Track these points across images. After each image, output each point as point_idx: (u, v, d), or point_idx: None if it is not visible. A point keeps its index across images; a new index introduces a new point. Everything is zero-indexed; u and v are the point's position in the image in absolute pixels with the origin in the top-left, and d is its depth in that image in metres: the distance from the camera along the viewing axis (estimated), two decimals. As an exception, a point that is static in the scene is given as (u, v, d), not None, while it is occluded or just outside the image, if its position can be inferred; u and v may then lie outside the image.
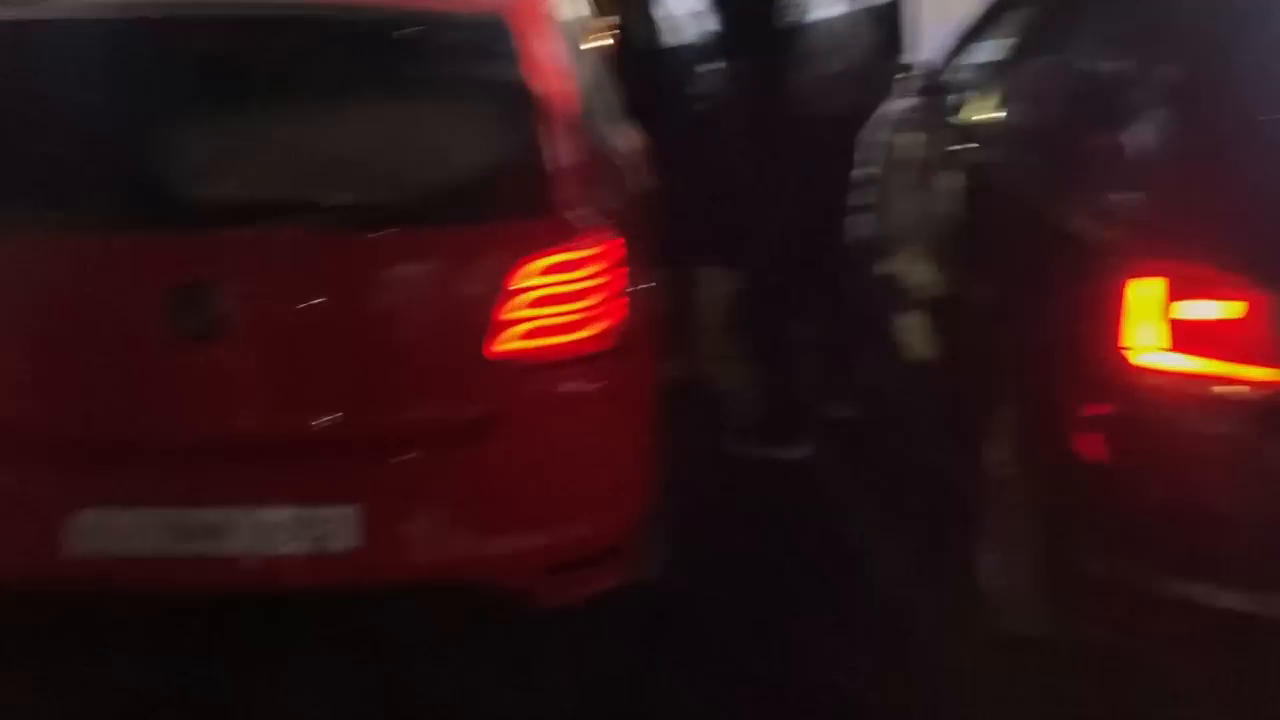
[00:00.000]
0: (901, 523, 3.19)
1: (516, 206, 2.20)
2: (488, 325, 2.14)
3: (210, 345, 2.08)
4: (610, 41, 3.91)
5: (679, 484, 2.72)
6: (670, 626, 2.68)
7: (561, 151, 2.29)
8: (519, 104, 2.29)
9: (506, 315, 2.14)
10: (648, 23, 3.82)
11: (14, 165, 2.17)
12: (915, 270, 3.67)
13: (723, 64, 3.75)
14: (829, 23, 3.50)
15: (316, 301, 2.14)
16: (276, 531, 2.10)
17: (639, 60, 3.74)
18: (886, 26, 3.69)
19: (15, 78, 2.23)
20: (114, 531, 2.09)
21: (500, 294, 2.13)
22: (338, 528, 2.12)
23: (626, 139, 3.30)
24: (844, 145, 3.77)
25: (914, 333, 3.65)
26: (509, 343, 2.16)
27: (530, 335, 2.17)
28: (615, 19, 3.98)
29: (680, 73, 3.83)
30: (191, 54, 2.26)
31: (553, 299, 2.17)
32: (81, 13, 2.32)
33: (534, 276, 2.15)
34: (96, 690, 2.36)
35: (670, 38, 3.87)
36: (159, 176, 2.14)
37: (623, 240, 2.33)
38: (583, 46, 3.16)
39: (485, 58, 2.30)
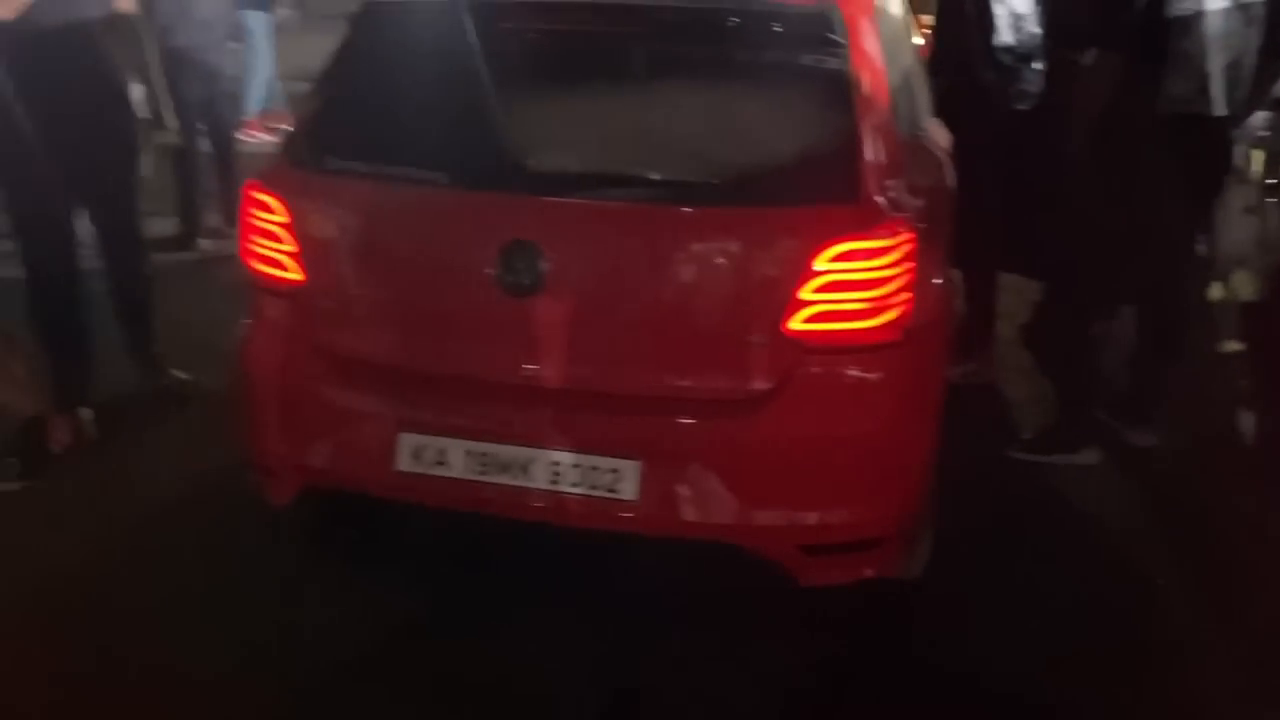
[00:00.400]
0: (1190, 559, 2.98)
1: (824, 192, 2.27)
2: (787, 303, 2.22)
3: (531, 300, 2.30)
4: (924, 38, 3.87)
5: (955, 485, 2.71)
6: (918, 625, 2.68)
7: (872, 143, 2.33)
8: (838, 94, 2.35)
9: (805, 295, 2.22)
10: (964, 20, 3.72)
11: (389, 125, 2.48)
12: (1245, 295, 3.40)
13: (1067, 58, 3.53)
14: (1213, 16, 3.18)
15: (630, 268, 2.31)
16: (570, 473, 2.30)
17: (953, 56, 3.67)
18: (1266, 27, 3.32)
19: (400, 50, 2.55)
20: (433, 454, 2.37)
21: (802, 274, 2.21)
22: (623, 478, 2.29)
23: (935, 135, 3.27)
24: (1219, 152, 3.42)
25: (1239, 363, 3.38)
26: (804, 322, 2.23)
27: (824, 318, 2.24)
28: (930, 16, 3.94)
29: (1002, 71, 3.72)
30: (544, 35, 2.50)
31: (849, 284, 2.23)
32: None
33: (833, 260, 2.21)
34: (390, 595, 2.70)
35: (992, 35, 3.75)
36: (507, 145, 2.37)
37: (920, 234, 2.34)
38: (903, 41, 3.17)
39: (813, 47, 2.37)
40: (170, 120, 4.69)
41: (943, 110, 3.52)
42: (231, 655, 2.51)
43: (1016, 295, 4.18)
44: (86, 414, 3.48)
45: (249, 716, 2.35)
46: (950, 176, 3.20)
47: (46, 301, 3.42)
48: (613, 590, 2.64)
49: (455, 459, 2.35)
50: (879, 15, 2.76)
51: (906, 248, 2.29)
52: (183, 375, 3.84)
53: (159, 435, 3.58)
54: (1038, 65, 3.65)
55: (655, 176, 2.32)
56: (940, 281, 2.62)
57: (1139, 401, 3.61)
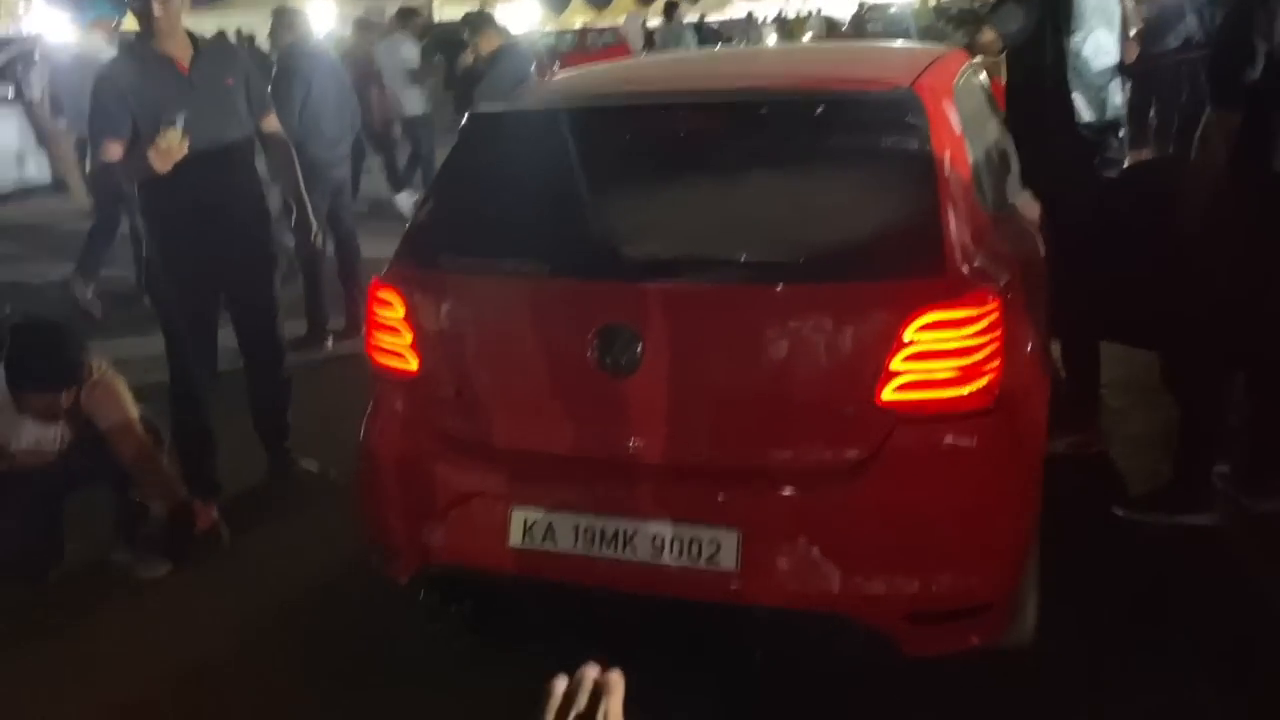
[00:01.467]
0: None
1: (910, 265, 2.35)
2: (879, 373, 2.29)
3: (629, 380, 2.42)
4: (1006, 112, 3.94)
5: (1062, 550, 2.68)
6: (1029, 696, 2.63)
7: (955, 216, 2.40)
8: (921, 172, 2.44)
9: (897, 365, 2.29)
10: (1049, 96, 3.78)
11: (495, 223, 2.69)
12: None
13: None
14: None
15: (723, 345, 2.41)
16: (672, 545, 2.39)
17: (1040, 128, 3.73)
18: None
19: (504, 155, 2.77)
20: (542, 530, 2.49)
21: (892, 345, 2.28)
22: (723, 549, 2.36)
23: (1025, 206, 3.33)
24: None
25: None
26: (896, 391, 2.30)
27: (915, 386, 2.30)
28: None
29: (1085, 144, 3.76)
30: (637, 133, 2.68)
31: (938, 354, 2.29)
32: (559, 104, 2.84)
33: (922, 330, 2.28)
34: (511, 667, 2.80)
35: (1081, 108, 3.81)
36: (602, 236, 2.54)
37: (1007, 302, 2.39)
38: (985, 117, 3.25)
39: (895, 130, 2.48)
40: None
41: (1031, 182, 3.57)
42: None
43: (1122, 365, 4.13)
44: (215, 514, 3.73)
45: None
46: (1040, 246, 3.24)
47: (186, 406, 3.70)
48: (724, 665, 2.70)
49: (564, 534, 2.46)
50: (958, 95, 2.87)
51: (993, 315, 2.34)
52: (313, 468, 4.09)
53: (291, 525, 3.81)
54: (1122, 133, 3.68)
55: (744, 258, 2.44)
56: (1032, 349, 2.65)
57: (1258, 467, 3.50)
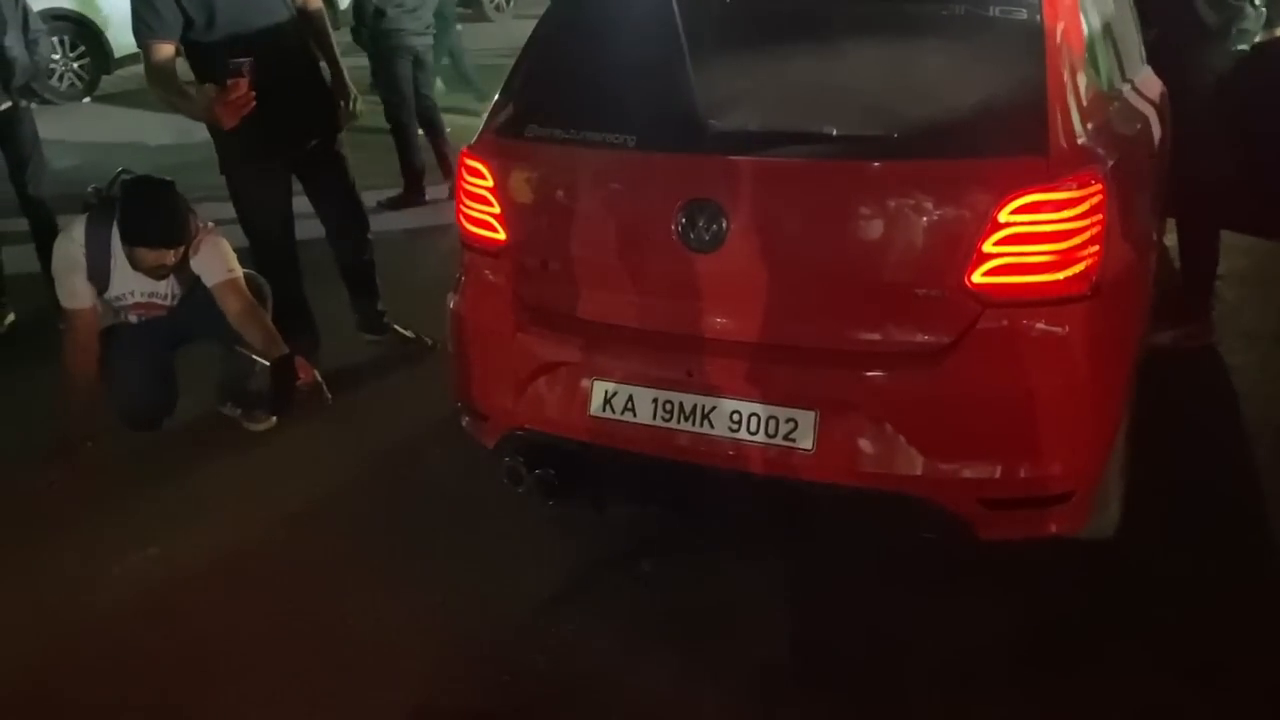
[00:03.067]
0: None
1: (1009, 143, 2.24)
2: (971, 255, 2.22)
3: (713, 256, 2.40)
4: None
5: (1153, 449, 2.62)
6: (1104, 593, 2.62)
7: (1061, 92, 2.28)
8: (1028, 43, 2.30)
9: (989, 248, 2.21)
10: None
11: (584, 93, 2.65)
12: None
13: None
14: None
15: (809, 224, 2.37)
16: (749, 422, 2.40)
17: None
18: None
19: (594, 22, 2.71)
20: (622, 401, 2.53)
21: (987, 226, 2.20)
22: (800, 428, 2.37)
23: (1146, 85, 3.13)
24: None
25: None
26: (987, 275, 2.23)
27: (1008, 270, 2.23)
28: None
29: (1226, 9, 3.48)
30: (732, 2, 2.58)
31: (1034, 237, 2.20)
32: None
33: (1017, 212, 2.19)
34: (586, 531, 2.90)
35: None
36: (690, 107, 2.47)
37: (1113, 186, 2.28)
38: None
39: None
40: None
41: (1156, 58, 3.35)
42: (437, 588, 2.79)
43: (1243, 255, 3.93)
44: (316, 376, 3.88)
45: (454, 649, 2.60)
46: (1159, 128, 3.05)
47: (271, 276, 3.78)
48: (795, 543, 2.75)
49: (643, 406, 2.50)
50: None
51: (1095, 199, 2.23)
52: (408, 332, 4.21)
53: (388, 386, 3.96)
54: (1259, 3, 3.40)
55: (834, 132, 2.36)
56: (1139, 235, 2.53)
57: None
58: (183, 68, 3.59)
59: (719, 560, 2.80)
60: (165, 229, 3.26)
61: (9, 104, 4.61)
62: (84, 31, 10.10)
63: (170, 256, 3.28)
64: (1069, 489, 2.36)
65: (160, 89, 3.52)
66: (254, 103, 3.34)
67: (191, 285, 3.44)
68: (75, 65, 10.14)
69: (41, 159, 4.87)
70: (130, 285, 3.40)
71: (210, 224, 3.47)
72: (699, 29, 2.53)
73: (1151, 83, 3.23)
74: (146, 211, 3.26)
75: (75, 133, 8.22)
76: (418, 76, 6.18)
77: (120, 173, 3.41)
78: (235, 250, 3.51)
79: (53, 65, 9.72)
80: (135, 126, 8.31)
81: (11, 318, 4.75)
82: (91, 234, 3.31)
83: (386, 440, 3.57)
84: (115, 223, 3.27)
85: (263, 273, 3.76)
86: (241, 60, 3.31)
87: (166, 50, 3.50)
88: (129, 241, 3.25)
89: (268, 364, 3.41)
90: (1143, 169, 2.70)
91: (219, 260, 3.40)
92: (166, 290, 3.45)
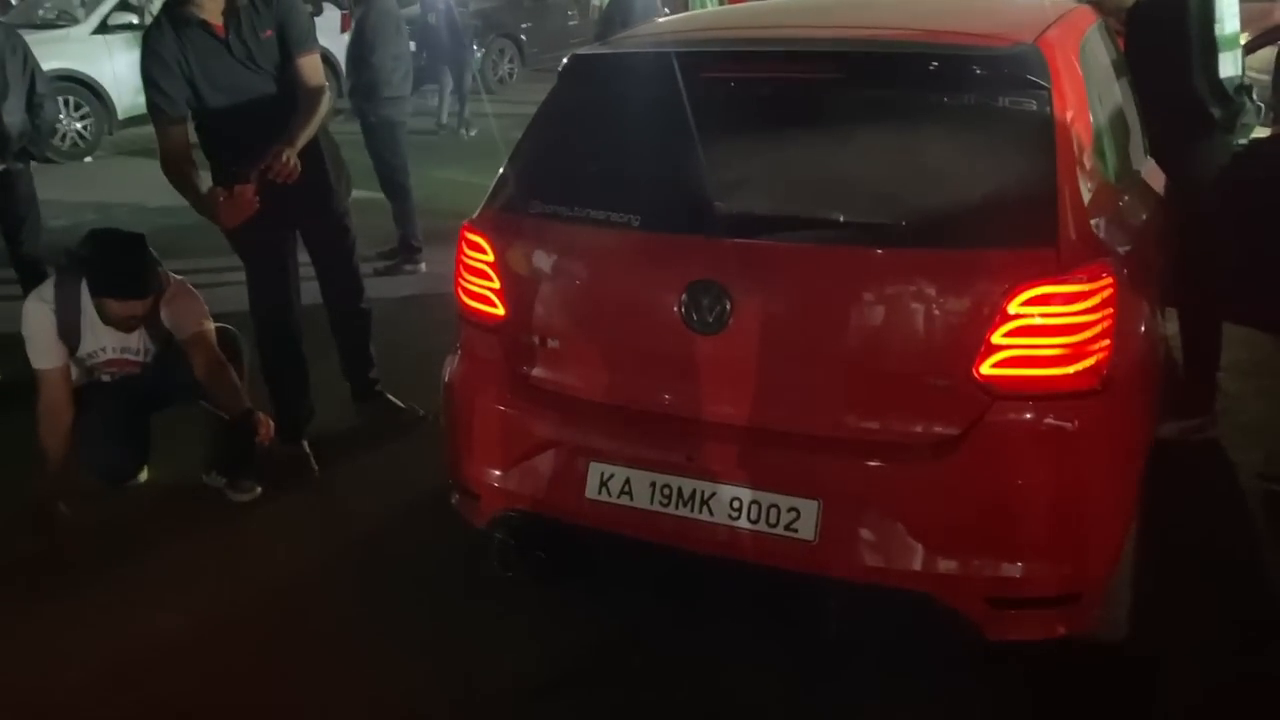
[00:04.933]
0: None
1: (1019, 234, 2.22)
2: (980, 346, 2.18)
3: (717, 338, 2.35)
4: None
5: (1165, 538, 2.55)
6: (1119, 693, 2.53)
7: (1071, 184, 2.26)
8: (1038, 136, 2.30)
9: (999, 339, 2.17)
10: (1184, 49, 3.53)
11: (589, 171, 2.63)
12: None
13: None
14: None
15: (816, 308, 2.32)
16: (750, 509, 2.33)
17: (1168, 92, 3.48)
18: None
19: (602, 101, 2.70)
20: (619, 484, 2.46)
21: (997, 317, 2.16)
22: (802, 517, 2.30)
23: (1147, 174, 3.13)
24: None
25: None
26: (998, 367, 2.19)
27: (1017, 363, 2.18)
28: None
29: (1227, 104, 3.51)
30: (737, 82, 2.57)
31: (1044, 329, 2.17)
32: (660, 48, 2.71)
33: (1028, 304, 2.15)
34: (577, 618, 2.81)
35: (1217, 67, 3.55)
36: (696, 188, 2.45)
37: (1123, 279, 2.25)
38: (1111, 79, 3.06)
39: (1013, 89, 2.32)
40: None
41: (1158, 150, 3.36)
42: (420, 668, 2.68)
43: (1244, 347, 3.90)
44: (306, 447, 3.81)
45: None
46: (1163, 219, 3.04)
47: (272, 347, 3.75)
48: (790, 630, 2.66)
49: (640, 490, 2.43)
50: (1084, 54, 2.69)
51: (1106, 292, 2.21)
52: (399, 402, 4.14)
53: (377, 458, 3.88)
54: (1257, 99, 3.43)
55: (843, 218, 2.33)
56: (1146, 328, 2.50)
57: None
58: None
59: (716, 653, 2.70)
60: (133, 280, 3.23)
61: (2, 167, 4.60)
62: (87, 92, 10.20)
63: (139, 308, 3.25)
64: (1078, 589, 2.29)
65: (173, 176, 3.47)
66: (257, 206, 3.30)
67: (164, 342, 3.41)
68: (78, 125, 10.21)
69: (37, 219, 4.85)
70: (101, 341, 3.37)
71: (181, 279, 3.45)
72: (707, 111, 2.51)
73: (1155, 175, 3.23)
74: (114, 263, 3.23)
75: (75, 192, 8.23)
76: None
77: (90, 231, 3.39)
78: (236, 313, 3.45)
79: (56, 125, 9.79)
80: (136, 187, 8.31)
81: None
82: (61, 292, 3.29)
83: (373, 514, 3.48)
84: (83, 278, 3.25)
85: (263, 335, 3.71)
86: (248, 169, 3.27)
87: (178, 133, 3.47)
88: (97, 293, 3.22)
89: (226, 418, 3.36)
90: (1149, 261, 2.67)
91: (190, 314, 3.38)
92: (139, 346, 3.42)
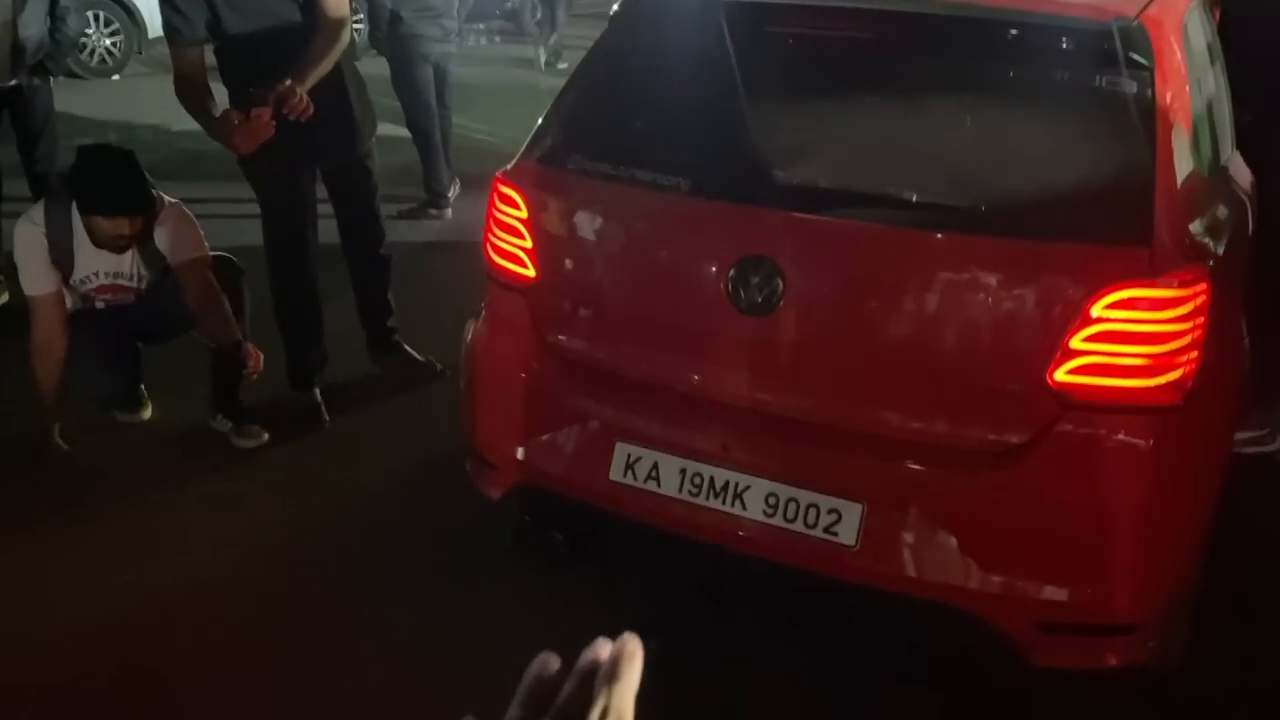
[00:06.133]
0: None
1: (1107, 230, 2.01)
2: (1055, 350, 1.98)
3: (764, 320, 2.16)
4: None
5: (1221, 564, 2.37)
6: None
7: (1170, 178, 2.05)
8: (1137, 121, 2.08)
9: (1077, 344, 1.97)
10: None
11: (637, 128, 2.42)
12: None
13: None
14: None
15: (877, 295, 2.13)
16: (787, 507, 2.16)
17: (1266, 83, 3.22)
18: None
19: (655, 52, 2.48)
20: (646, 468, 2.29)
21: (1077, 320, 1.96)
22: (843, 520, 2.13)
23: (1237, 172, 2.90)
24: None
25: None
26: (1073, 374, 1.99)
27: (1095, 371, 1.99)
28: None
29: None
30: (807, 41, 2.35)
31: (1128, 336, 1.96)
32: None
33: (1113, 308, 1.95)
34: (589, 602, 2.65)
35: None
36: (753, 154, 2.26)
37: (1216, 284, 2.04)
38: (1208, 64, 2.81)
39: (1111, 67, 2.10)
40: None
41: (1246, 145, 3.11)
42: (419, 649, 2.54)
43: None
44: (317, 396, 3.65)
45: (432, 713, 2.36)
46: (1252, 220, 2.81)
47: (286, 288, 3.58)
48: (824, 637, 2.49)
49: (668, 476, 2.26)
50: (1188, 32, 2.45)
51: (1199, 300, 2.00)
52: (417, 353, 3.97)
53: (390, 411, 3.72)
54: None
55: (913, 198, 2.12)
56: (1234, 339, 2.29)
57: None
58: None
59: (735, 650, 2.54)
60: (121, 195, 3.09)
61: (15, 82, 4.41)
62: (118, 8, 9.97)
63: (127, 225, 3.11)
64: (1135, 620, 2.12)
65: (186, 101, 3.30)
66: (273, 131, 3.11)
67: (160, 270, 3.27)
68: (107, 42, 9.99)
69: (55, 137, 4.67)
70: (94, 265, 3.23)
71: (178, 202, 3.30)
72: (770, 68, 2.30)
73: (1242, 170, 2.99)
74: (101, 178, 3.10)
75: (101, 110, 8.05)
76: (439, 85, 5.95)
77: (78, 148, 3.28)
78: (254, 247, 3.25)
79: (85, 40, 9.58)
80: (162, 107, 8.03)
81: (5, 298, 4.54)
82: (52, 215, 3.15)
83: (381, 473, 3.33)
84: (73, 198, 3.11)
85: (276, 274, 3.54)
86: (267, 91, 3.07)
87: (194, 55, 3.28)
88: (85, 211, 3.09)
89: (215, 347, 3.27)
90: (1239, 265, 2.46)
91: (185, 238, 3.24)
92: (132, 270, 3.28)
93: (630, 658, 0.63)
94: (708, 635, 2.58)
